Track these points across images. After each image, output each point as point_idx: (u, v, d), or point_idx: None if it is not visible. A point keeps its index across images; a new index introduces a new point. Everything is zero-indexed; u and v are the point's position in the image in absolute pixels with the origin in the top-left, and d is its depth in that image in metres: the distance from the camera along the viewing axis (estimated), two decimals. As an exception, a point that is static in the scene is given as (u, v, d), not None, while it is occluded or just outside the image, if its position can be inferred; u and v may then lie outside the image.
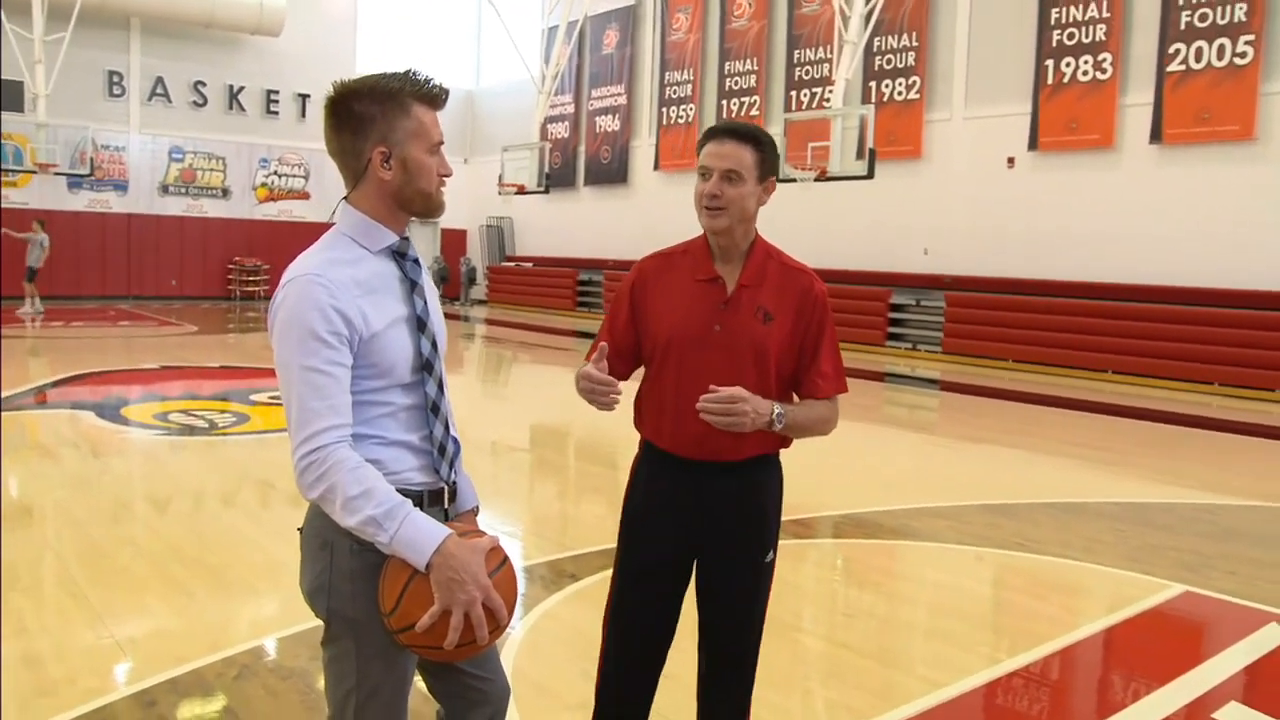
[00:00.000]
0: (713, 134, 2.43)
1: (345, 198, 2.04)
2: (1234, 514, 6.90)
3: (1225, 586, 5.04)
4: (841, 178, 14.82)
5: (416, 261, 2.08)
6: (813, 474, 7.62)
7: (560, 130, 25.56)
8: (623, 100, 24.09)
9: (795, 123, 15.78)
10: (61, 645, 3.89)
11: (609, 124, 24.49)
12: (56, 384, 10.89)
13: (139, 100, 24.31)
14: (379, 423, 1.96)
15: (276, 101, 25.90)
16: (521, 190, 21.71)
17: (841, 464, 8.21)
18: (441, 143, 2.03)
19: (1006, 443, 9.64)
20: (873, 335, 17.64)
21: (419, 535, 1.81)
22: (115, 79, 23.99)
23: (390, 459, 1.96)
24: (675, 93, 22.54)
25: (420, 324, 2.01)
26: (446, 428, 2.07)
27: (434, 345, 2.03)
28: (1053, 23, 15.61)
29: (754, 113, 20.42)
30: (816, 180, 15.04)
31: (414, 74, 1.98)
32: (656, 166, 23.04)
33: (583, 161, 25.35)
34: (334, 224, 2.04)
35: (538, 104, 21.86)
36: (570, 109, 25.48)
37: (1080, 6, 15.28)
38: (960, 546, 5.75)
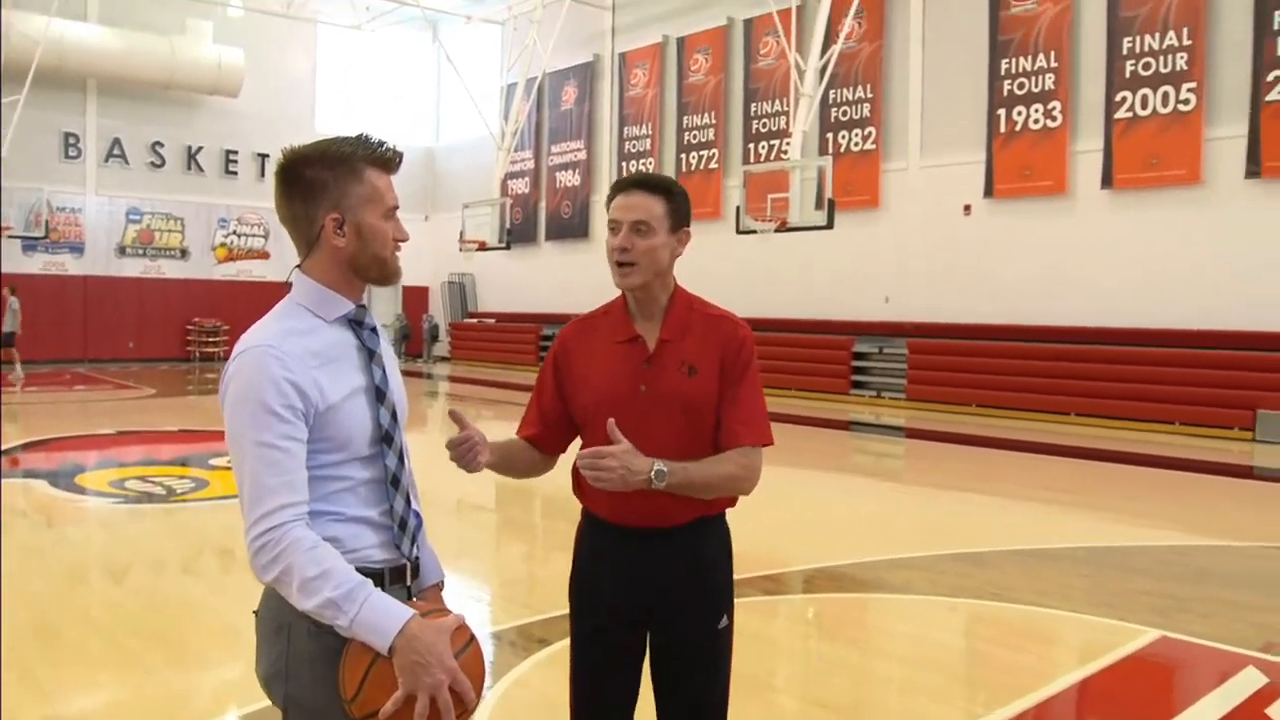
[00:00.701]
0: (620, 186, 2.37)
1: (298, 265, 1.97)
2: (1205, 554, 6.92)
3: (1200, 630, 5.01)
4: (801, 228, 14.94)
5: (374, 330, 2.01)
6: (781, 527, 7.56)
7: (521, 186, 25.66)
8: (582, 155, 24.24)
9: (754, 175, 15.92)
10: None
11: (569, 179, 24.62)
12: (8, 451, 10.63)
13: (96, 161, 24.14)
14: (336, 498, 1.88)
15: (235, 161, 25.83)
16: (483, 246, 21.69)
17: (810, 515, 8.17)
18: (396, 207, 1.97)
19: (974, 489, 9.65)
20: (837, 384, 17.69)
21: (380, 617, 1.72)
22: (71, 140, 23.83)
23: (348, 536, 1.87)
24: (634, 147, 22.72)
25: (379, 394, 1.94)
26: (408, 501, 1.99)
27: (393, 416, 1.95)
28: (1003, 73, 15.94)
29: (713, 165, 20.61)
30: (777, 231, 15.15)
31: (366, 138, 1.93)
32: (618, 219, 23.11)
33: (544, 216, 25.43)
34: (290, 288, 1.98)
35: (498, 160, 21.95)
36: (530, 164, 25.60)
37: (1029, 57, 15.62)
38: (933, 597, 5.69)
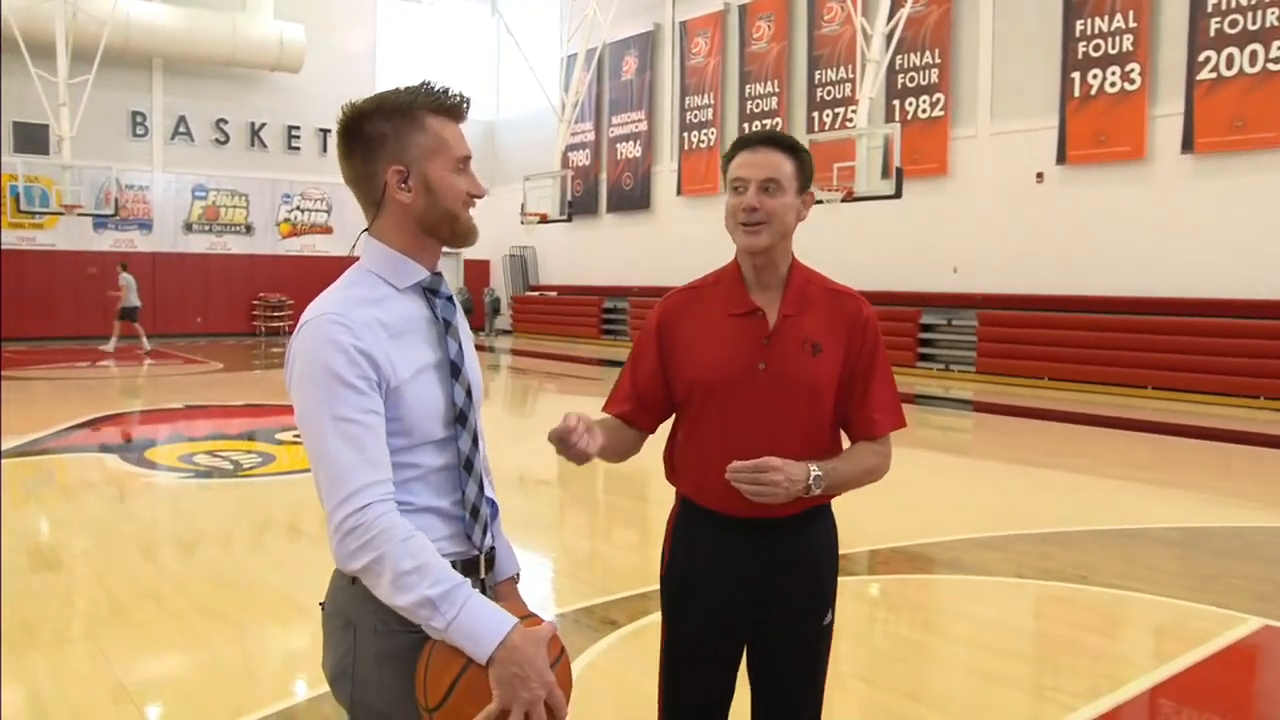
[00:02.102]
0: (745, 143, 2.18)
1: (366, 229, 1.83)
2: (1300, 537, 6.59)
3: (1304, 618, 4.75)
4: (868, 198, 14.60)
5: (450, 299, 1.85)
6: (850, 503, 7.34)
7: (581, 158, 25.50)
8: (643, 126, 23.99)
9: (819, 143, 15.58)
10: (79, 713, 3.70)
11: (630, 150, 24.40)
12: (82, 426, 10.78)
13: (162, 139, 24.45)
14: (406, 487, 1.72)
15: (298, 137, 26.00)
16: (544, 219, 21.60)
17: (880, 491, 7.93)
18: (468, 157, 1.79)
19: (1050, 465, 9.34)
20: (903, 356, 17.33)
21: (482, 624, 1.58)
22: (139, 119, 24.15)
23: (419, 528, 1.72)
24: (696, 117, 22.42)
25: (454, 370, 1.78)
26: (481, 488, 1.84)
27: (468, 394, 1.80)
28: (1078, 35, 15.37)
29: (776, 134, 20.21)
30: (843, 201, 14.83)
31: (429, 85, 1.77)
32: (679, 192, 22.90)
33: (605, 188, 25.25)
34: (356, 258, 1.83)
35: (558, 132, 21.79)
36: (591, 136, 25.42)
37: (1106, 18, 15.03)
38: (1015, 580, 5.48)
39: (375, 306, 1.72)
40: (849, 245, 18.40)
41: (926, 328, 17.43)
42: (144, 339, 20.19)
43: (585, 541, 6.78)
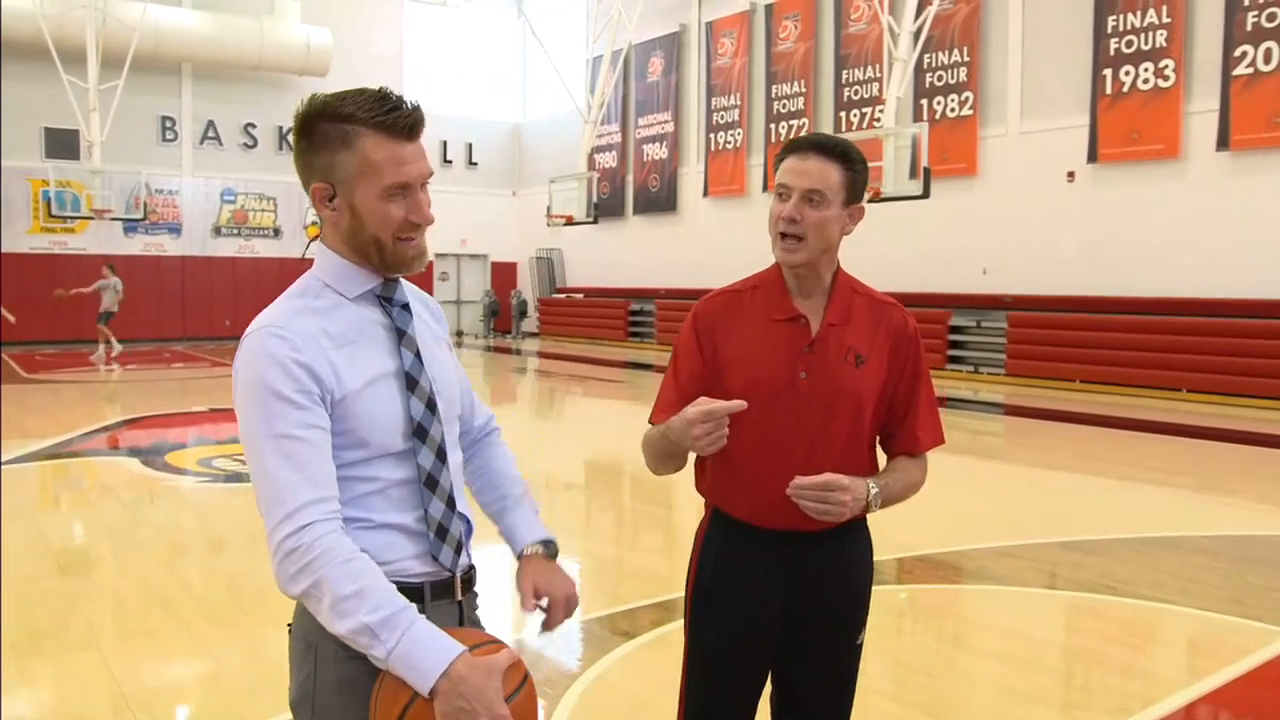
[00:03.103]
0: (795, 147, 2.08)
1: (319, 235, 1.74)
2: (1341, 546, 6.37)
3: (1345, 633, 4.55)
4: (895, 198, 14.41)
5: (406, 307, 1.75)
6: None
7: (608, 160, 25.42)
8: (670, 127, 23.88)
9: (846, 143, 15.39)
10: (77, 722, 3.63)
11: (657, 152, 24.30)
12: (106, 429, 10.81)
13: (191, 144, 24.62)
14: (363, 502, 1.63)
15: (326, 141, 26.08)
16: (570, 221, 21.55)
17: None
18: (403, 184, 1.62)
19: (1081, 469, 9.13)
20: (933, 359, 17.10)
21: (423, 652, 1.47)
22: (168, 124, 24.33)
23: (378, 546, 1.63)
24: (722, 118, 22.28)
25: (410, 381, 1.68)
26: (451, 506, 1.73)
27: (430, 406, 1.70)
28: (1109, 31, 15.10)
29: (804, 134, 20.03)
30: (870, 201, 14.56)
31: (382, 95, 1.62)
32: (705, 193, 22.77)
33: (631, 190, 25.17)
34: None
35: (584, 134, 21.73)
36: (617, 138, 25.34)
37: (1138, 13, 14.75)
38: (1043, 590, 5.32)
39: (321, 316, 1.64)
40: (876, 246, 18.15)
41: (956, 329, 17.21)
42: (102, 347, 18.85)
43: (609, 548, 6.67)
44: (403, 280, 1.77)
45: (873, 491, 2.01)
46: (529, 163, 28.70)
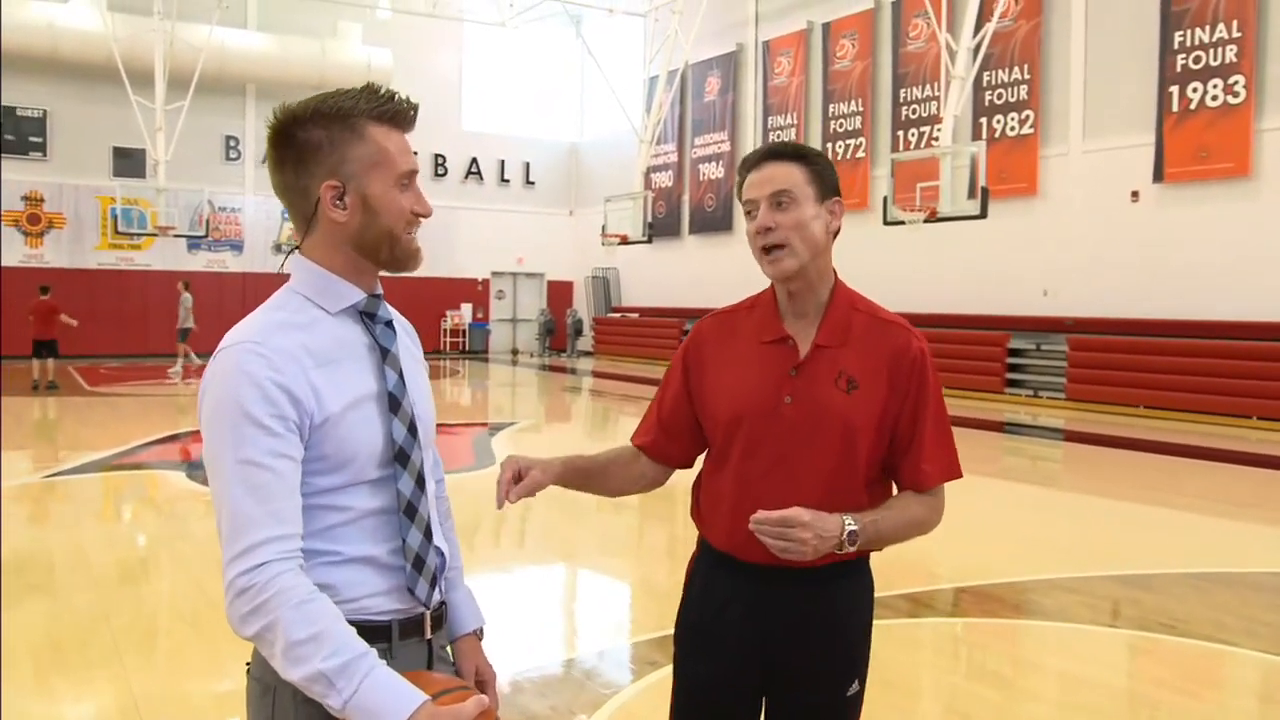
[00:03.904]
0: (747, 163, 1.97)
1: (296, 247, 1.64)
2: None
3: None
4: (953, 218, 14.14)
5: (389, 324, 1.66)
6: (925, 538, 6.97)
7: (664, 179, 25.38)
8: (726, 147, 23.77)
9: (903, 163, 15.19)
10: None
11: (713, 171, 24.20)
12: (155, 443, 10.93)
13: (254, 163, 25.04)
14: (333, 534, 1.53)
15: (385, 160, 26.40)
16: (624, 240, 21.51)
17: (957, 524, 7.53)
18: (413, 172, 1.60)
19: (1142, 499, 8.79)
20: (991, 382, 16.74)
21: (381, 703, 1.35)
22: (232, 143, 24.79)
23: (346, 582, 1.52)
24: (779, 137, 22.10)
25: (393, 403, 1.58)
26: (428, 536, 1.62)
27: (411, 430, 1.60)
28: (1176, 46, 14.69)
29: (860, 154, 19.85)
30: (926, 221, 14.39)
31: (372, 89, 1.58)
32: (760, 212, 22.59)
33: (687, 210, 25.08)
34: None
35: (640, 153, 21.70)
36: (674, 157, 25.29)
37: (1207, 28, 14.33)
38: (1095, 628, 5.06)
39: (302, 332, 1.54)
40: (934, 267, 17.91)
41: (1015, 352, 16.80)
42: (181, 361, 19.36)
43: (634, 572, 6.51)
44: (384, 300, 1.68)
45: (848, 529, 1.81)
46: (586, 182, 28.77)
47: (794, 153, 1.94)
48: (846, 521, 1.82)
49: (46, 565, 5.93)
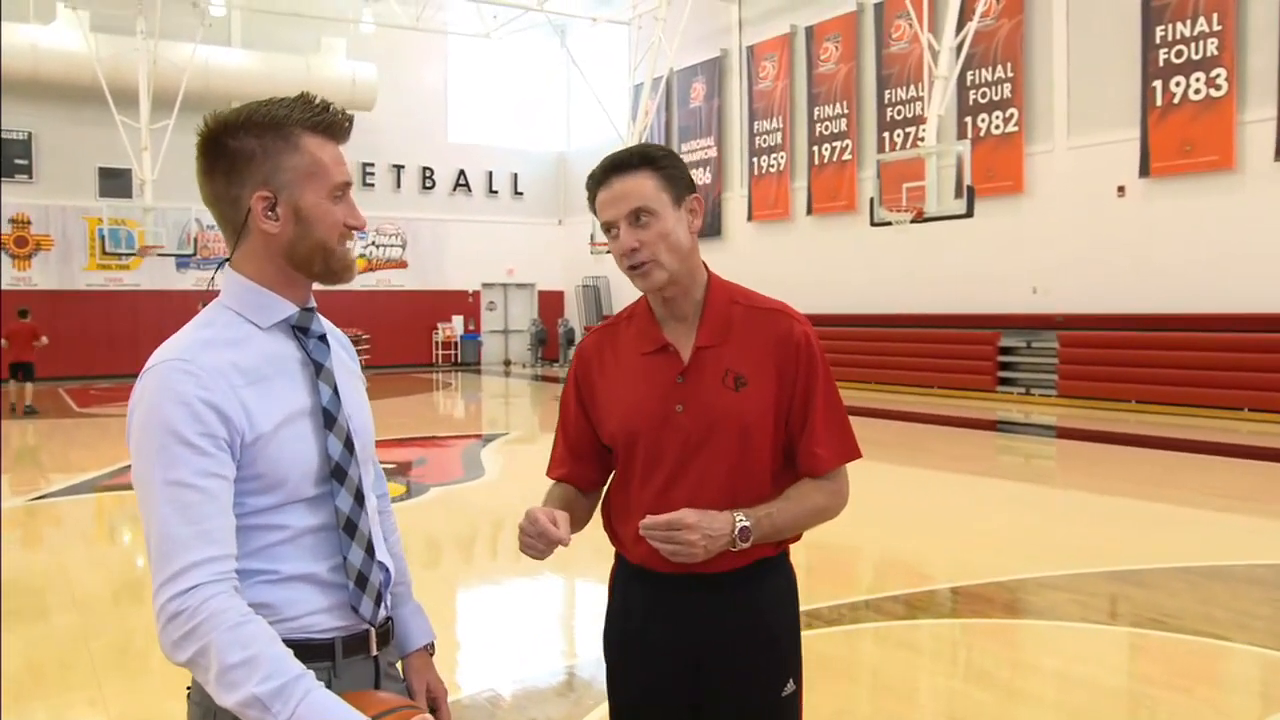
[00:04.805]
0: (596, 180, 1.90)
1: (226, 260, 1.60)
2: None
3: None
4: (939, 218, 14.11)
5: (323, 338, 1.62)
6: (918, 538, 6.95)
7: (651, 186, 25.33)
8: (713, 152, 23.77)
9: (889, 164, 15.17)
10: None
11: (700, 177, 24.18)
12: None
13: (241, 180, 24.97)
14: (270, 553, 1.49)
15: (372, 173, 26.37)
16: (612, 248, 21.49)
17: (950, 525, 7.51)
18: (347, 184, 1.56)
19: (1135, 494, 8.75)
20: (982, 380, 16.72)
21: None
22: (218, 161, 24.71)
23: (285, 601, 1.48)
24: (765, 142, 22.12)
25: (328, 418, 1.54)
26: (371, 552, 1.58)
27: (347, 445, 1.56)
28: (1158, 41, 14.70)
29: (846, 156, 19.85)
30: (913, 222, 14.37)
31: (307, 98, 1.55)
32: (750, 218, 22.59)
33: (674, 216, 25.04)
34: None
35: (626, 161, 21.65)
36: (660, 164, 25.25)
37: (1188, 22, 14.36)
38: (1085, 625, 5.02)
39: (232, 349, 1.50)
40: (922, 267, 17.90)
41: (1005, 350, 16.79)
42: None
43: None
44: (318, 312, 1.65)
45: (740, 525, 1.79)
46: (574, 191, 28.73)
47: (640, 159, 1.88)
48: (737, 518, 1.79)
49: (28, 589, 5.87)
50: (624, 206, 1.85)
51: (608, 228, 1.89)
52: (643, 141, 21.76)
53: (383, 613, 1.62)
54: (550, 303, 29.19)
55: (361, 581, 1.56)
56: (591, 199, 1.92)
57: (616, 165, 1.88)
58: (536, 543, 1.75)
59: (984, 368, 16.74)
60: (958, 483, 9.66)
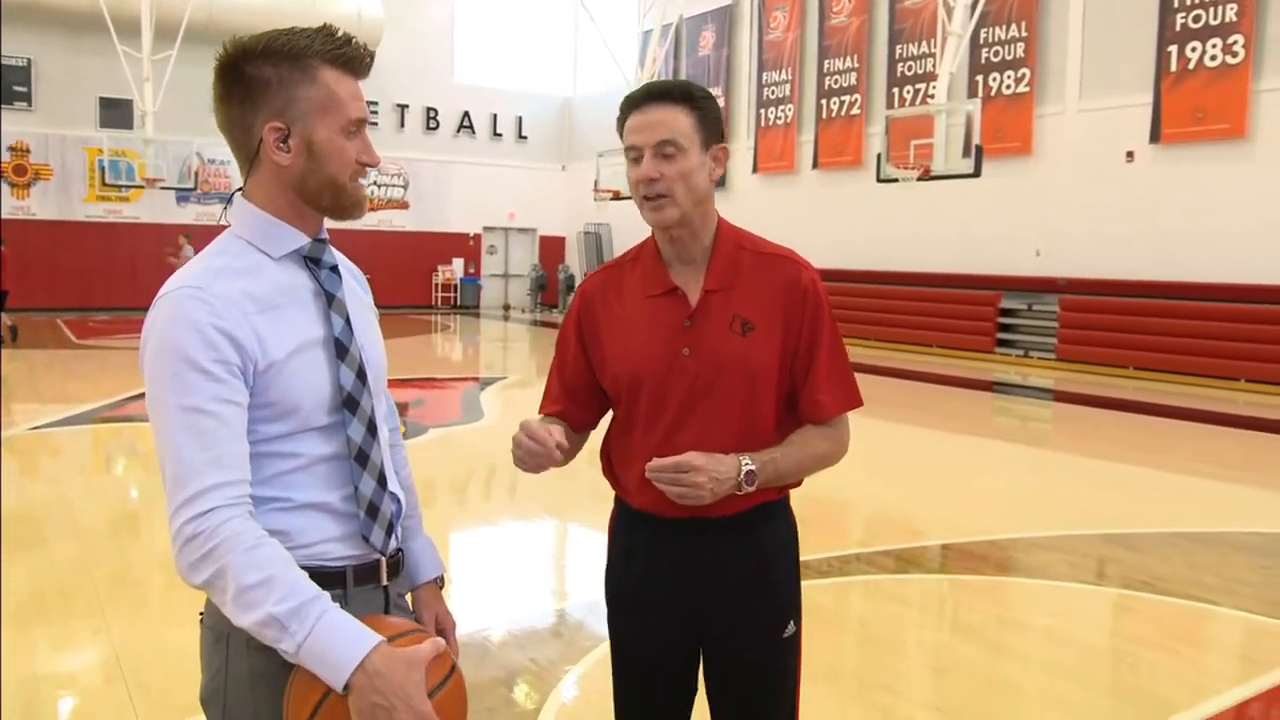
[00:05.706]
0: (632, 103, 1.89)
1: (239, 189, 1.60)
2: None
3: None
4: (946, 176, 14.02)
5: (334, 269, 1.62)
6: (911, 495, 7.01)
7: (656, 135, 25.13)
8: (720, 102, 23.48)
9: (897, 120, 15.04)
10: (69, 692, 3.58)
11: (706, 127, 23.96)
12: (142, 396, 10.88)
13: (243, 115, 24.75)
14: (283, 480, 1.50)
15: (376, 112, 26.09)
16: (617, 196, 21.36)
17: (944, 483, 7.57)
18: (362, 120, 1.56)
19: (1129, 460, 8.80)
20: (981, 342, 16.74)
21: (336, 645, 1.34)
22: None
23: (299, 528, 1.50)
24: (773, 93, 21.91)
25: (340, 348, 1.55)
26: (382, 483, 1.60)
27: (360, 376, 1.57)
28: (1175, 5, 14.53)
29: (855, 111, 19.69)
30: (919, 179, 14.29)
31: (329, 30, 1.54)
32: (755, 169, 22.44)
33: (679, 166, 24.87)
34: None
35: (632, 108, 21.46)
36: (666, 113, 25.03)
37: (1208, -13, 14.17)
38: (1075, 585, 5.09)
39: (244, 277, 1.50)
40: (927, 226, 17.83)
41: (1006, 312, 16.78)
42: None
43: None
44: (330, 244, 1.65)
45: (745, 469, 1.80)
46: (579, 137, 28.52)
47: (681, 93, 1.87)
48: (743, 462, 1.81)
49: (31, 518, 5.91)
50: (654, 135, 1.85)
51: (632, 152, 1.88)
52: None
53: (393, 543, 1.64)
54: (551, 248, 29.10)
55: (373, 511, 1.58)
56: (622, 120, 1.91)
57: (658, 93, 1.87)
58: (535, 445, 1.77)
59: (984, 329, 16.74)
60: (953, 441, 9.72)
